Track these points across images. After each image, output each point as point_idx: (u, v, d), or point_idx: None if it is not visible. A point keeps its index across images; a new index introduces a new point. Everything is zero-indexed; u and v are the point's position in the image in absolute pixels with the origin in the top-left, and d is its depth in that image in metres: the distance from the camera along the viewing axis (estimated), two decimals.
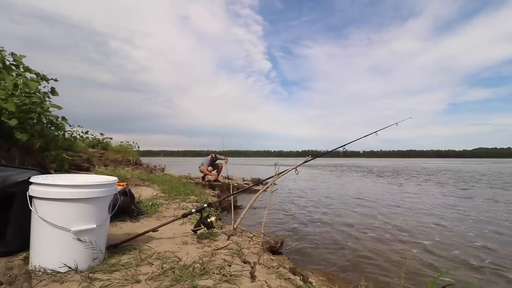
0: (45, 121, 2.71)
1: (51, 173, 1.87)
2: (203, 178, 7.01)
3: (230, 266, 1.40)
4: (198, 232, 1.89)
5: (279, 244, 2.76)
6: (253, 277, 1.30)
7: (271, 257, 1.78)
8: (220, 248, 1.68)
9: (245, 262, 1.52)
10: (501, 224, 4.42)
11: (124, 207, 2.24)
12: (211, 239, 1.86)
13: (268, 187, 2.16)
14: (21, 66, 2.55)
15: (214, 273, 1.26)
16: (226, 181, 6.80)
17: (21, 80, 2.46)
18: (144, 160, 8.54)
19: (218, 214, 3.00)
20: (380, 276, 2.49)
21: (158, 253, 1.51)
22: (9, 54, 2.46)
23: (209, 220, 1.84)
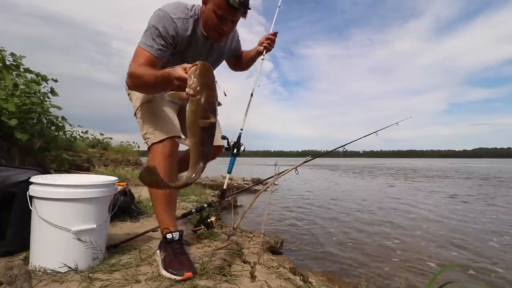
0: (45, 121, 2.71)
1: (51, 173, 1.87)
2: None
3: (230, 266, 1.40)
4: (198, 232, 1.89)
5: (279, 244, 2.76)
6: (253, 277, 1.30)
7: (271, 257, 1.78)
8: (220, 248, 1.68)
9: (245, 262, 1.52)
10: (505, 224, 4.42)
11: (124, 207, 2.24)
12: (211, 239, 1.86)
13: (268, 187, 2.16)
14: (21, 67, 2.56)
15: (214, 273, 1.26)
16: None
17: (21, 80, 2.47)
18: (144, 160, 8.55)
19: (218, 214, 3.00)
20: (380, 276, 2.49)
21: None
22: (9, 55, 2.47)
23: (209, 220, 1.84)
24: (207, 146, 0.98)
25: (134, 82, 1.18)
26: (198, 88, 0.93)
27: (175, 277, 1.15)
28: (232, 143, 1.69)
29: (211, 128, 0.98)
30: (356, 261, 2.85)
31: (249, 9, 1.27)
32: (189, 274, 1.16)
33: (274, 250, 2.64)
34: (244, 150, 1.70)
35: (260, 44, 1.75)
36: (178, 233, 1.31)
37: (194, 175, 0.95)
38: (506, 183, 11.14)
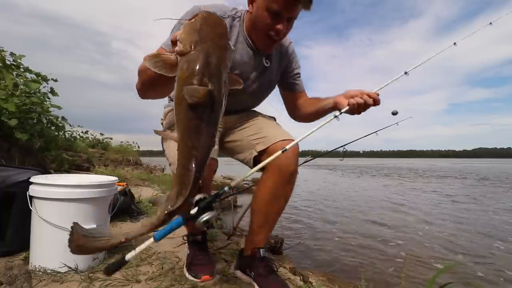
0: (45, 121, 2.71)
1: (51, 173, 1.87)
2: None
3: (230, 266, 1.40)
4: None
5: (279, 244, 2.76)
6: None
7: (271, 257, 1.78)
8: (220, 248, 1.68)
9: None
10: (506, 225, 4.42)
11: (124, 207, 2.24)
12: (211, 239, 1.86)
13: None
14: (21, 66, 2.56)
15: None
16: (226, 181, 6.74)
17: (21, 80, 2.47)
18: (144, 160, 8.55)
19: (218, 214, 3.00)
20: (380, 276, 2.49)
21: (158, 253, 1.51)
22: (9, 54, 2.47)
23: None
24: (200, 138, 0.57)
25: (141, 81, 0.88)
26: (193, 42, 0.57)
27: (193, 279, 1.19)
28: None
29: (207, 105, 0.55)
30: (356, 261, 2.84)
31: None
32: (206, 277, 1.18)
33: (274, 250, 2.64)
34: None
35: (347, 96, 1.05)
36: (200, 235, 1.34)
37: (163, 212, 0.62)
38: (508, 184, 11.14)
